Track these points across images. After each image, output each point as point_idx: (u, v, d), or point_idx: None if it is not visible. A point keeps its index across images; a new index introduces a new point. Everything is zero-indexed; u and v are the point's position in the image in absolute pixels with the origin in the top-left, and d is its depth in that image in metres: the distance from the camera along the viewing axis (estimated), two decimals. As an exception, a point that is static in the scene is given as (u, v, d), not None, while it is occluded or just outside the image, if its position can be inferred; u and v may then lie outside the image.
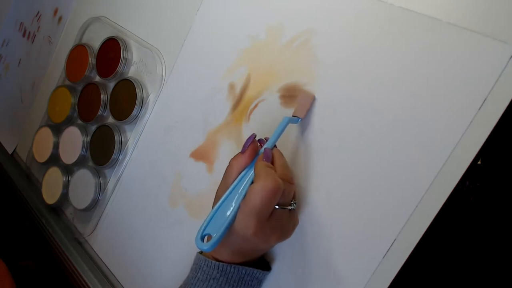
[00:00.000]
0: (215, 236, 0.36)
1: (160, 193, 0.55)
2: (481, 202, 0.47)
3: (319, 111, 0.43)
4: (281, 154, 0.41)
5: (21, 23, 0.87)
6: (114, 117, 0.62)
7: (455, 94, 0.35)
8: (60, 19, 0.78)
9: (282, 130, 0.41)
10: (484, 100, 0.33)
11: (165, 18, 0.60)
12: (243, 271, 0.40)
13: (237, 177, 0.39)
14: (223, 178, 0.41)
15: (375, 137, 0.39)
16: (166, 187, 0.55)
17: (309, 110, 0.43)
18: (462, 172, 0.34)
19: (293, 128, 0.44)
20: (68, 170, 0.66)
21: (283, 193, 0.37)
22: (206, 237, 0.38)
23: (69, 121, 0.68)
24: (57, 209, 0.69)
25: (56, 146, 0.68)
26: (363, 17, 0.41)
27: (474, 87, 0.34)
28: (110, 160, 0.60)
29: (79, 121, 0.67)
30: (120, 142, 0.60)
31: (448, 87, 0.35)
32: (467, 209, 0.47)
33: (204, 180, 0.51)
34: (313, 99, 0.43)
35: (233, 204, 0.37)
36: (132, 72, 0.63)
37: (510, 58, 0.33)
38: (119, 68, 0.62)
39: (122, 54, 0.62)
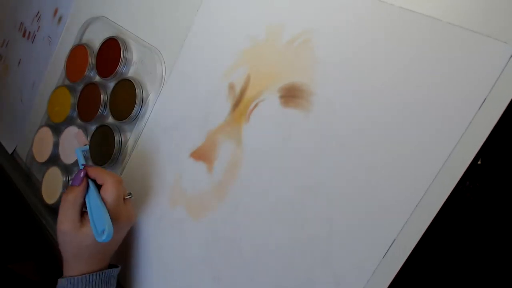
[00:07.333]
0: (108, 227, 0.45)
1: (160, 193, 0.55)
2: (481, 202, 0.47)
3: (319, 111, 0.43)
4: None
5: (21, 23, 0.87)
6: (114, 117, 0.62)
7: (455, 94, 0.35)
8: (60, 19, 0.78)
9: (82, 158, 0.53)
10: (484, 100, 0.33)
11: (165, 18, 0.60)
12: (103, 274, 0.49)
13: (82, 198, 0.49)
14: (63, 208, 0.50)
15: (375, 137, 0.39)
16: (166, 187, 0.55)
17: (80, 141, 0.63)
18: (462, 172, 0.34)
19: (293, 127, 0.44)
20: (68, 170, 0.66)
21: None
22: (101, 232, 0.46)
23: (69, 121, 0.68)
24: (57, 209, 0.69)
25: (56, 146, 0.68)
26: (363, 17, 0.41)
27: (474, 87, 0.34)
28: (110, 160, 0.60)
29: (79, 121, 0.67)
30: (120, 142, 0.60)
31: (448, 87, 0.35)
32: (467, 209, 0.47)
33: (204, 180, 0.51)
34: (76, 133, 0.63)
35: (102, 207, 0.47)
36: (132, 72, 0.63)
37: (510, 58, 0.33)
38: (119, 68, 0.62)
39: (122, 54, 0.62)
